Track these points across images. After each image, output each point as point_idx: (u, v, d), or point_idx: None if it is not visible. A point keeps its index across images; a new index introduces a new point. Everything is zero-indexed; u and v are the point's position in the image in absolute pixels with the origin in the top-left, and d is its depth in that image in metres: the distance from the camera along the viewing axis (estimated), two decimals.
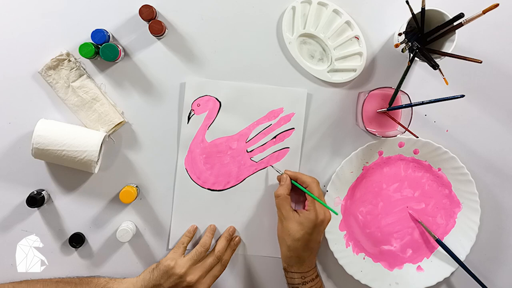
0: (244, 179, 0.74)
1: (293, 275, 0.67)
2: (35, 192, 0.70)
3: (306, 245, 0.66)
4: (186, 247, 0.71)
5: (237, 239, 0.74)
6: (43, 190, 0.72)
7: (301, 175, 0.69)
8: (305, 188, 0.68)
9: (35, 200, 0.69)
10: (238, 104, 0.72)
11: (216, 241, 0.73)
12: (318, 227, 0.65)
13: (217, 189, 0.74)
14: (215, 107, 0.72)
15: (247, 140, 0.73)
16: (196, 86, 0.72)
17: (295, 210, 0.68)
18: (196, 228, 0.74)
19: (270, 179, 0.74)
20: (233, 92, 0.72)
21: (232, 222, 0.75)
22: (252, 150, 0.73)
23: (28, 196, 0.69)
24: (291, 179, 0.69)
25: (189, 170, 0.73)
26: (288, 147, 0.73)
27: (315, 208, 0.65)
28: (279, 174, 0.71)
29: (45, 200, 0.71)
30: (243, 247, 0.75)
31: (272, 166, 0.73)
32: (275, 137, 0.73)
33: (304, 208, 0.68)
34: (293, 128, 0.73)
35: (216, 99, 0.72)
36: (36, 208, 0.72)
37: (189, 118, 0.72)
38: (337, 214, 0.67)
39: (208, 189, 0.74)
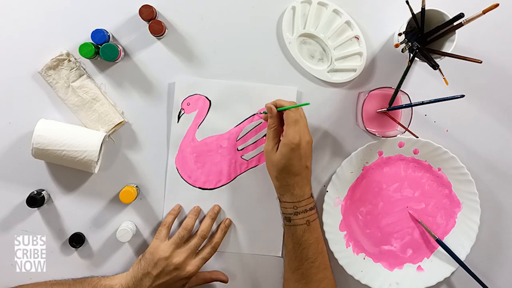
0: (235, 177, 0.74)
1: (286, 205, 0.66)
2: (35, 192, 0.70)
3: (289, 171, 0.64)
4: (170, 227, 0.71)
5: (227, 221, 0.74)
6: (43, 190, 0.72)
7: (280, 101, 0.66)
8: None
9: (35, 200, 0.69)
10: (228, 102, 0.72)
11: (201, 221, 0.73)
12: (295, 151, 0.63)
13: (208, 187, 0.74)
14: (205, 106, 0.72)
15: (238, 139, 0.73)
16: (186, 85, 0.72)
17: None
18: (181, 207, 0.74)
19: (261, 177, 0.73)
20: (223, 90, 0.72)
21: None
22: (243, 149, 0.73)
23: (28, 196, 0.69)
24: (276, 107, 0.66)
25: (179, 169, 0.73)
26: None
27: (288, 133, 0.63)
28: (264, 114, 0.69)
29: (45, 200, 0.71)
30: (236, 245, 0.75)
31: (255, 114, 0.72)
32: (265, 135, 0.73)
33: None
34: None
35: (206, 97, 0.72)
36: (36, 208, 0.72)
37: (179, 117, 0.72)
38: (309, 103, 0.63)
39: (199, 188, 0.74)
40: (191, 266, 0.68)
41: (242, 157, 0.74)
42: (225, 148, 0.73)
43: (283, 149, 0.63)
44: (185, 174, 0.73)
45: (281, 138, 0.66)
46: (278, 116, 0.66)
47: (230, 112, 0.73)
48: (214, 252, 0.71)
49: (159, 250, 0.68)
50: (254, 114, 0.73)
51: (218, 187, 0.74)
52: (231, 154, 0.74)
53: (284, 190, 0.65)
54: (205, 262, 0.70)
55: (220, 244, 0.72)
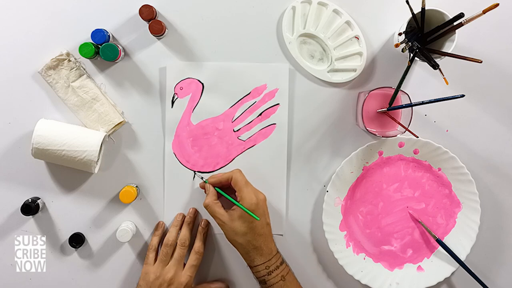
0: (233, 158, 0.74)
1: (258, 268, 0.67)
2: (30, 200, 0.70)
3: (255, 233, 0.66)
4: (156, 249, 0.72)
5: (203, 223, 0.73)
6: (39, 198, 0.72)
7: (221, 176, 0.69)
8: (230, 182, 0.68)
9: (30, 208, 0.69)
10: (221, 84, 0.72)
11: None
12: (256, 212, 0.66)
13: (207, 171, 0.74)
14: (198, 89, 0.72)
15: (233, 120, 0.73)
16: (177, 69, 0.72)
17: (230, 209, 0.68)
18: (163, 223, 0.74)
19: (259, 157, 0.73)
20: (215, 72, 0.72)
21: None
22: (239, 129, 0.73)
23: (23, 204, 0.69)
24: (214, 186, 0.70)
25: (177, 154, 0.73)
26: (275, 123, 0.73)
27: (244, 197, 0.66)
28: (201, 182, 0.72)
29: (40, 208, 0.71)
30: None
31: (195, 173, 0.73)
32: (260, 114, 0.73)
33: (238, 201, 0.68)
34: (278, 104, 0.73)
35: (199, 80, 0.72)
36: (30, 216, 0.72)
37: (173, 102, 0.72)
38: (258, 219, 0.66)
39: (198, 171, 0.74)
40: (183, 277, 0.69)
41: (239, 137, 0.73)
42: (221, 130, 0.73)
43: (243, 213, 0.65)
44: (183, 159, 0.73)
45: (232, 208, 0.67)
46: (215, 192, 0.69)
47: (223, 93, 0.72)
48: (201, 257, 0.71)
49: (149, 273, 0.68)
50: (248, 94, 0.72)
51: (217, 170, 0.74)
52: (228, 136, 0.73)
53: (253, 254, 0.67)
54: (196, 269, 0.70)
55: (203, 247, 0.72)
